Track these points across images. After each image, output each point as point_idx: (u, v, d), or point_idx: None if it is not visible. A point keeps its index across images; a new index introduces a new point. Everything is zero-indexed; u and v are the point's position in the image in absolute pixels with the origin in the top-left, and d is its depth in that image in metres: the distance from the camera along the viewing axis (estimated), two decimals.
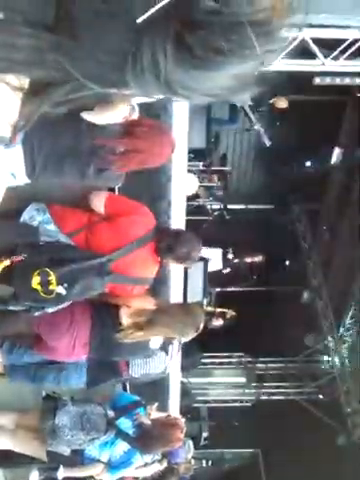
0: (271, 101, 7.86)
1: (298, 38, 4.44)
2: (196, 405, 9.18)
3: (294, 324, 9.92)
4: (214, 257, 7.38)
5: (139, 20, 0.55)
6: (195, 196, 7.59)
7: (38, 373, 3.17)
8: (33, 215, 2.65)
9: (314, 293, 9.94)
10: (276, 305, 9.88)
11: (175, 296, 4.22)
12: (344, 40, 4.65)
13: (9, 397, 3.71)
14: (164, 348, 3.15)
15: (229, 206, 8.87)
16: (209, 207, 8.47)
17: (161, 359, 3.23)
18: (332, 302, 9.62)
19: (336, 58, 4.83)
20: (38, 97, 0.70)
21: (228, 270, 8.00)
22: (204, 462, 9.57)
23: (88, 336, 2.85)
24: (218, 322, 8.17)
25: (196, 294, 6.62)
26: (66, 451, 3.27)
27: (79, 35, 0.56)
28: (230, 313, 8.45)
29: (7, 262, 2.36)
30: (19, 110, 0.72)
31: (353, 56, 4.87)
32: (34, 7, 0.57)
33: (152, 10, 0.54)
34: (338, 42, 4.68)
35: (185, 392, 6.67)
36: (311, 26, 4.34)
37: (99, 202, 2.71)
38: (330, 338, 9.59)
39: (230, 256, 8.03)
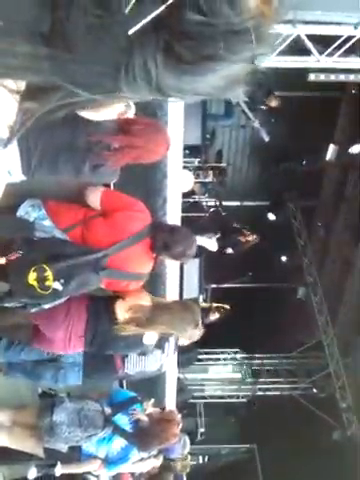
0: (265, 99, 7.87)
1: (293, 35, 4.45)
2: (192, 401, 9.22)
3: (289, 320, 9.97)
4: (209, 244, 7.43)
5: (130, 32, 0.57)
6: (191, 192, 7.59)
7: (35, 371, 3.18)
8: (28, 211, 2.65)
9: (309, 289, 9.99)
10: (271, 301, 9.91)
11: (171, 292, 4.23)
12: (339, 36, 4.66)
13: (5, 394, 3.72)
14: (160, 346, 3.16)
15: (225, 203, 8.88)
16: (205, 204, 8.48)
17: (156, 357, 3.24)
18: (327, 298, 9.67)
19: (331, 55, 4.84)
20: (34, 101, 0.73)
21: (230, 250, 7.91)
22: (200, 458, 9.62)
23: (84, 329, 2.86)
24: (214, 316, 8.18)
25: (192, 290, 6.64)
26: (64, 448, 3.28)
27: (73, 47, 0.59)
28: (225, 307, 8.45)
29: (2, 260, 2.36)
30: (16, 113, 0.73)
31: (348, 53, 4.87)
32: (30, 17, 0.59)
33: (142, 22, 0.57)
34: (333, 39, 4.68)
35: (181, 388, 6.69)
36: (306, 23, 4.35)
37: (95, 198, 2.71)
38: (325, 334, 9.64)
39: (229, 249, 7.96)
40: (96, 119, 2.26)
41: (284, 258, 10.60)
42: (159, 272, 3.49)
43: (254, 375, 10.08)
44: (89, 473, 3.50)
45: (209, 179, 8.73)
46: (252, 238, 7.98)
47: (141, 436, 3.39)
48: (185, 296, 6.01)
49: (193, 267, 6.28)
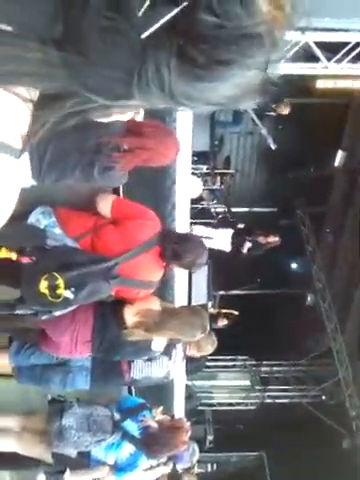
0: (274, 106, 7.85)
1: (301, 42, 4.46)
2: (201, 408, 9.17)
3: (298, 327, 9.91)
4: (222, 238, 7.26)
5: (143, 35, 0.57)
6: (199, 199, 7.59)
7: (44, 375, 3.18)
8: (39, 218, 2.66)
9: (318, 296, 9.93)
10: (280, 308, 9.87)
11: (180, 299, 4.23)
12: (347, 43, 4.67)
13: (15, 399, 3.73)
14: (167, 352, 3.16)
15: (233, 209, 8.87)
16: (213, 210, 8.48)
17: (163, 363, 3.23)
18: (336, 304, 9.60)
19: (339, 61, 4.84)
20: (46, 109, 0.72)
21: (246, 249, 7.51)
22: (209, 465, 9.56)
23: (90, 333, 2.86)
24: (222, 322, 8.15)
25: (201, 297, 6.63)
26: (73, 453, 3.28)
27: (85, 51, 0.58)
28: (233, 313, 8.41)
29: (13, 256, 2.36)
30: (29, 122, 0.73)
31: (356, 59, 4.88)
32: (43, 22, 0.58)
33: (156, 25, 0.56)
34: (341, 45, 4.69)
35: (190, 395, 6.66)
36: (314, 30, 4.36)
37: (105, 206, 2.71)
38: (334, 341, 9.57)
39: (248, 244, 7.55)
40: (106, 120, 2.27)
41: (292, 264, 10.56)
42: (167, 278, 3.50)
43: (263, 382, 10.02)
44: None
45: (217, 185, 8.73)
46: (273, 240, 7.63)
47: (150, 443, 3.38)
48: (193, 302, 6.00)
49: (201, 273, 6.27)
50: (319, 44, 4.64)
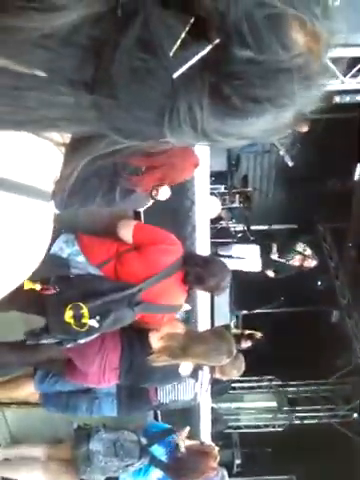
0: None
1: None
2: (227, 431, 8.99)
3: (325, 345, 9.71)
4: (251, 256, 7.01)
5: (175, 75, 0.55)
6: (218, 218, 7.58)
7: (70, 402, 3.17)
8: (62, 247, 2.67)
9: (344, 312, 9.74)
10: (305, 326, 9.70)
11: (202, 319, 4.19)
12: None
13: (41, 428, 3.71)
14: (194, 375, 3.12)
15: (252, 227, 8.82)
16: (232, 229, 8.45)
17: (190, 386, 3.19)
18: None
19: (355, 76, 4.83)
20: (78, 153, 0.71)
21: (272, 274, 7.04)
22: None
23: (118, 360, 2.84)
24: (246, 344, 8.04)
25: (223, 316, 6.56)
26: (100, 479, 3.24)
27: (117, 93, 0.57)
28: (257, 335, 8.30)
29: (38, 286, 2.38)
30: (61, 166, 0.73)
31: None
32: (73, 65, 0.57)
33: (188, 64, 0.54)
34: (356, 60, 4.68)
35: (216, 418, 6.55)
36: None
37: (127, 232, 2.72)
38: None
39: (274, 256, 7.18)
40: None
41: (315, 280, 10.40)
42: (190, 298, 3.47)
43: (290, 403, 9.80)
44: None
45: (236, 204, 8.71)
46: (310, 263, 7.23)
47: (178, 468, 3.33)
48: (216, 323, 5.94)
49: (224, 293, 6.22)
50: (334, 60, 4.64)
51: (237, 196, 8.75)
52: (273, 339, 8.42)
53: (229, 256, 6.72)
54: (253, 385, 9.95)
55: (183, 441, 3.40)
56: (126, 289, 2.55)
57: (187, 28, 0.53)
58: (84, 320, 2.41)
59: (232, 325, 7.34)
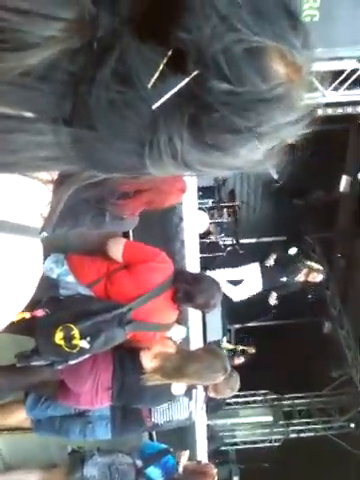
0: None
1: None
2: (224, 448, 8.89)
3: (317, 356, 9.69)
4: (251, 277, 6.90)
5: (154, 106, 0.55)
6: (207, 233, 7.59)
7: (63, 426, 3.12)
8: (52, 267, 2.66)
9: (335, 323, 9.76)
10: (297, 338, 9.68)
11: (194, 335, 4.17)
12: (342, 71, 4.75)
13: (35, 453, 3.64)
14: (187, 394, 3.08)
15: (241, 240, 8.85)
16: (221, 243, 8.46)
17: (184, 405, 3.16)
18: (354, 331, 9.41)
19: (336, 89, 4.92)
20: (63, 186, 0.72)
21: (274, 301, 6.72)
22: None
23: (110, 380, 2.81)
24: (239, 360, 8.01)
25: (215, 332, 6.52)
26: None
27: (96, 125, 0.57)
28: (251, 350, 8.28)
29: (27, 315, 2.36)
30: (49, 201, 0.74)
31: (353, 86, 4.96)
32: (53, 102, 0.57)
33: (166, 95, 0.54)
34: (337, 74, 4.77)
35: (212, 435, 6.47)
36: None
37: (117, 250, 2.71)
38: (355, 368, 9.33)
39: (281, 277, 6.99)
40: None
41: (306, 292, 10.41)
42: (181, 314, 3.46)
43: (286, 416, 9.73)
44: None
45: (224, 218, 8.74)
46: (315, 277, 6.90)
47: None
48: (209, 338, 5.91)
49: (216, 308, 6.19)
50: (315, 73, 4.72)
51: (225, 210, 8.79)
52: (266, 352, 8.40)
53: (239, 281, 6.58)
54: (248, 400, 9.88)
55: (182, 464, 3.35)
56: (116, 309, 2.53)
57: (165, 60, 0.53)
58: (75, 341, 2.38)
59: (224, 340, 7.30)
